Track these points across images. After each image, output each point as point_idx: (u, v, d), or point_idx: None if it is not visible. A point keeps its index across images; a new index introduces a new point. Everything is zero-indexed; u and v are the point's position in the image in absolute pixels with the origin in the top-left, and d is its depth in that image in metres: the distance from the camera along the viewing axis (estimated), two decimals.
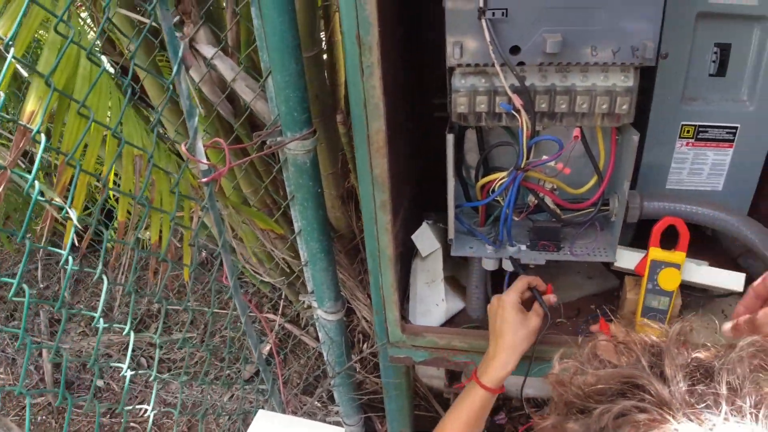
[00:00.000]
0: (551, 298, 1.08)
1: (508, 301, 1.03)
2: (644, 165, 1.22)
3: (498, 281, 1.18)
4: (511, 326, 1.01)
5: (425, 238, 1.20)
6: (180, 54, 0.93)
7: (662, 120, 1.17)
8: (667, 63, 1.11)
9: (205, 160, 0.99)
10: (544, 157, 1.00)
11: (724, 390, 0.49)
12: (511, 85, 0.95)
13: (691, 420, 0.47)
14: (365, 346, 1.72)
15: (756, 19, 1.09)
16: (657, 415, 0.48)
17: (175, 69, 0.95)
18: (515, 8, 0.89)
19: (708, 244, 1.36)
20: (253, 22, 1.18)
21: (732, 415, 0.47)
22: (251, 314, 1.42)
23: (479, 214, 1.16)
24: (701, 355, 0.53)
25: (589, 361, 0.59)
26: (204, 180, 0.99)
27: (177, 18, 1.33)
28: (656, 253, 1.07)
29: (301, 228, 1.31)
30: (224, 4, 1.45)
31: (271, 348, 1.64)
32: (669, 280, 1.07)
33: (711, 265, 1.24)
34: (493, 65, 0.93)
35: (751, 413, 0.47)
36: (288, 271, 1.61)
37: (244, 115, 1.32)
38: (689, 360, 0.53)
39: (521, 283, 1.06)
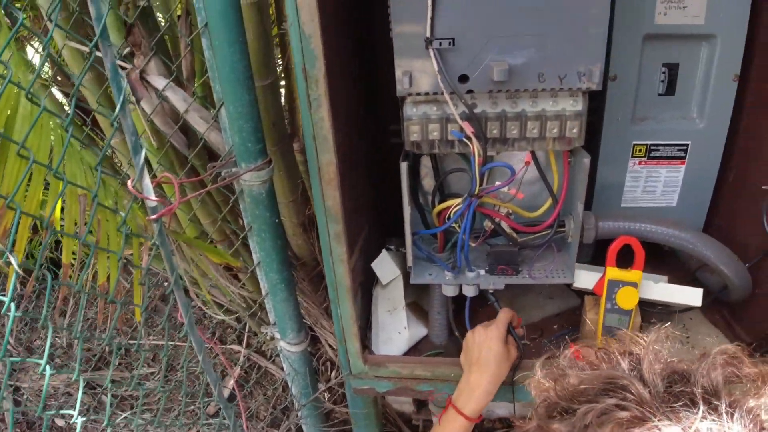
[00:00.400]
0: (519, 331, 1.10)
1: (498, 336, 1.03)
2: (599, 185, 1.23)
3: (460, 306, 1.18)
4: (498, 358, 1.01)
5: (385, 266, 1.19)
6: (123, 90, 0.91)
7: (614, 140, 1.18)
8: (617, 84, 1.13)
9: (153, 197, 0.97)
10: (497, 183, 1.00)
11: (699, 391, 0.52)
12: (461, 113, 0.95)
13: (670, 419, 0.50)
14: (333, 374, 1.69)
15: (703, 37, 1.12)
16: (638, 413, 0.51)
17: (118, 106, 0.93)
18: (462, 37, 0.90)
19: (667, 259, 1.37)
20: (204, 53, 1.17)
21: (708, 413, 0.50)
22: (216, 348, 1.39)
23: (438, 240, 1.15)
24: (676, 360, 0.57)
25: (571, 365, 0.61)
26: (152, 217, 0.96)
27: (127, 49, 1.31)
28: (613, 272, 1.07)
29: (260, 259, 1.29)
30: (178, 35, 1.43)
31: (237, 381, 1.61)
32: (627, 299, 1.07)
33: (670, 279, 1.25)
34: (443, 94, 0.92)
35: (727, 412, 0.50)
36: (251, 301, 1.58)
37: (198, 146, 1.29)
38: (666, 365, 0.56)
39: (505, 317, 1.06)
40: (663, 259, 1.38)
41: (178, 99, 1.28)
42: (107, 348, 1.84)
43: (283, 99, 1.79)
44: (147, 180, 0.97)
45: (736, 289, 1.14)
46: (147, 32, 1.32)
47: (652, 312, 1.23)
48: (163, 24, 1.43)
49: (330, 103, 0.88)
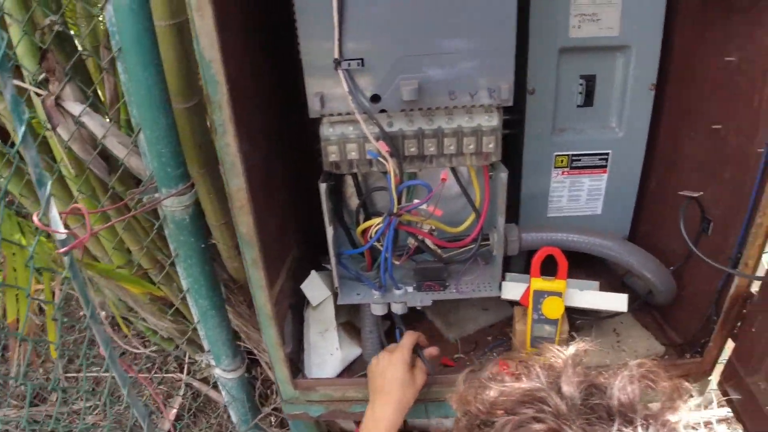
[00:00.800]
0: (433, 350, 1.08)
1: (400, 360, 1.01)
2: (525, 196, 1.24)
3: (392, 323, 1.17)
4: (401, 385, 0.99)
5: (314, 287, 1.18)
6: (23, 124, 0.87)
7: (536, 152, 1.20)
8: (536, 97, 1.14)
9: (61, 229, 0.93)
10: (415, 201, 0.99)
11: (615, 404, 0.53)
12: (376, 133, 0.94)
13: (585, 431, 0.50)
14: (276, 398, 1.66)
15: (618, 49, 1.14)
16: (554, 425, 0.51)
17: (20, 138, 0.89)
18: (371, 58, 0.89)
19: (597, 266, 1.40)
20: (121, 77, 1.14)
21: (623, 426, 0.50)
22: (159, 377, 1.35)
23: (366, 259, 1.14)
24: (594, 373, 0.57)
25: (492, 378, 0.61)
26: (61, 250, 0.93)
27: (42, 75, 1.27)
28: (537, 283, 1.08)
29: (188, 285, 1.26)
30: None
31: (176, 412, 1.56)
32: (553, 309, 1.08)
33: (601, 284, 1.27)
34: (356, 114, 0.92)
35: (642, 425, 0.50)
36: (186, 327, 1.54)
37: (118, 172, 1.26)
38: (584, 378, 0.56)
39: (409, 340, 1.04)
40: (593, 266, 1.40)
41: (95, 124, 1.25)
42: (47, 380, 1.77)
43: None
44: (54, 212, 0.94)
45: (660, 293, 1.16)
46: (65, 57, 1.28)
47: (582, 319, 1.24)
48: (81, 48, 1.38)
49: (237, 128, 0.86)
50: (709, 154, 1.11)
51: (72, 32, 1.71)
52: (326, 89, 0.92)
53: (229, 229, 1.53)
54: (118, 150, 1.23)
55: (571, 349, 0.62)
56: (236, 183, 0.89)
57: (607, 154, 1.21)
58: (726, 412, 1.74)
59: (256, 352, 1.56)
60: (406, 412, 0.99)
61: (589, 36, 1.11)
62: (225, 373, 1.34)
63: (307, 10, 0.87)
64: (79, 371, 1.59)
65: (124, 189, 1.36)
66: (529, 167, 1.21)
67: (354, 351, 1.21)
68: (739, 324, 1.09)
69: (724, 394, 1.09)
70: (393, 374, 0.99)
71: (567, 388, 0.55)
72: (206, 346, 1.35)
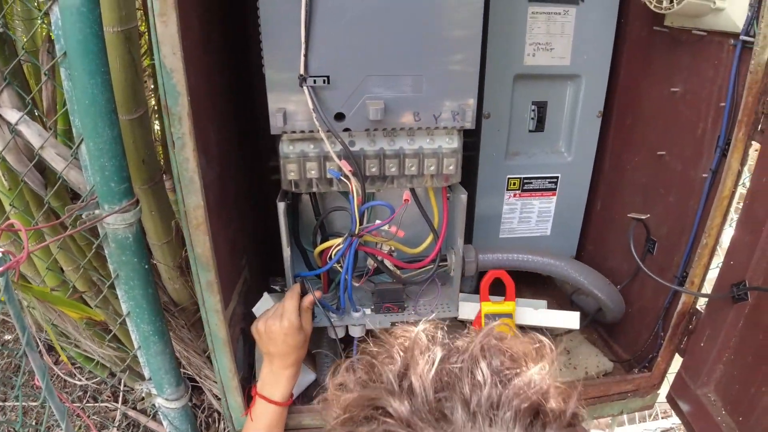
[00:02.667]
0: (316, 293, 1.02)
1: (293, 327, 0.96)
2: (478, 217, 1.24)
3: (349, 345, 1.13)
4: (297, 347, 0.98)
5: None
6: None
7: (490, 174, 1.20)
8: (490, 122, 1.15)
9: None
10: (377, 221, 0.97)
11: (467, 390, 0.46)
12: (338, 152, 0.92)
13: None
14: (221, 426, 1.58)
15: (569, 77, 1.17)
16: None
17: None
18: (337, 76, 0.87)
19: (545, 285, 1.42)
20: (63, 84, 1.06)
21: (471, 421, 0.44)
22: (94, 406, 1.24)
23: (322, 280, 1.10)
24: (444, 356, 0.49)
25: (348, 371, 0.53)
26: None
27: None
28: (488, 306, 1.08)
29: (129, 309, 1.17)
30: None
31: None
32: (505, 331, 1.07)
33: (550, 303, 1.28)
34: (319, 131, 0.89)
35: (491, 416, 0.44)
36: (124, 354, 1.44)
37: (56, 186, 1.17)
38: (434, 365, 0.48)
39: (293, 303, 0.98)
40: (541, 284, 1.42)
41: (32, 134, 1.15)
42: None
43: (158, 132, 1.68)
44: None
45: (611, 311, 1.18)
46: (3, 60, 1.18)
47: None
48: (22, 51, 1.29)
49: (197, 142, 0.81)
50: (652, 179, 1.15)
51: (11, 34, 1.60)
52: (289, 106, 0.88)
53: (171, 248, 1.45)
54: (57, 162, 1.14)
55: (420, 326, 0.54)
56: (194, 200, 0.83)
57: (556, 177, 1.24)
58: (671, 423, 1.79)
59: (198, 378, 1.48)
60: (300, 366, 1.02)
61: (543, 64, 1.14)
62: (168, 403, 1.25)
63: (272, 24, 0.84)
64: (5, 400, 1.45)
65: (60, 204, 1.27)
66: (483, 189, 1.21)
67: (308, 376, 1.16)
68: (685, 339, 1.13)
69: (674, 406, 1.11)
70: (288, 342, 0.96)
71: (416, 383, 0.47)
72: (147, 374, 1.26)
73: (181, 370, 1.44)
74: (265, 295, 1.13)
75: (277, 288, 1.25)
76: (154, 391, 1.26)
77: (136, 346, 1.22)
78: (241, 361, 1.10)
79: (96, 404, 1.65)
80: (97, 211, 1.10)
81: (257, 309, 1.12)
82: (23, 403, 1.48)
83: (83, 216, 1.12)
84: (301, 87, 0.86)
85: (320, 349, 1.13)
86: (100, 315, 1.20)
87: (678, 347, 1.15)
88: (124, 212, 1.08)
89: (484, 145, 1.17)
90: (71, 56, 0.96)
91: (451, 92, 0.91)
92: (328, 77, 0.86)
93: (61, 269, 1.37)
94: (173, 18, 0.74)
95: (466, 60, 0.89)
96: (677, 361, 1.16)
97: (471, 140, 1.19)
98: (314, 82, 0.85)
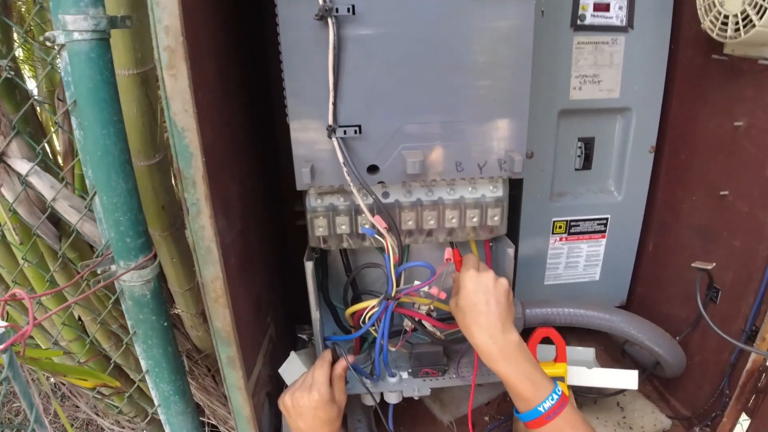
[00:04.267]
0: (350, 358, 0.88)
1: (323, 401, 0.81)
2: (521, 262, 1.10)
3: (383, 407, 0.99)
4: (329, 423, 0.83)
5: (295, 371, 0.99)
6: None
7: (534, 217, 1.07)
8: (534, 162, 1.02)
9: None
10: (416, 282, 0.84)
11: None
12: (371, 205, 0.79)
13: None
14: None
15: (618, 111, 1.03)
16: None
17: None
18: (369, 125, 0.74)
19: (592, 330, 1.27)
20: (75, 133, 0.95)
21: None
22: None
23: (354, 341, 0.97)
24: None
25: None
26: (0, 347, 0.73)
27: None
28: None
29: (148, 368, 1.05)
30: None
31: None
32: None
33: (598, 352, 1.14)
34: (351, 185, 0.76)
35: None
36: (146, 409, 1.33)
37: (70, 239, 1.06)
38: None
39: (324, 374, 0.84)
40: (588, 330, 1.27)
41: (44, 185, 1.05)
42: None
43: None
44: None
45: (670, 367, 1.03)
46: (14, 106, 1.08)
47: (583, 396, 1.10)
48: (34, 95, 1.19)
49: (215, 205, 0.69)
50: (713, 220, 1.00)
51: (28, 75, 1.51)
52: (317, 159, 0.76)
53: (193, 295, 1.34)
54: (70, 215, 1.04)
55: None
56: (211, 272, 0.71)
57: (605, 218, 1.09)
58: None
59: (222, 429, 1.36)
60: None
61: (589, 98, 1.00)
62: None
63: (296, 69, 0.72)
64: None
65: (76, 255, 1.16)
66: (526, 233, 1.08)
67: None
68: (753, 397, 0.98)
69: None
70: (320, 416, 0.82)
71: None
72: None
73: (205, 419, 1.32)
74: (292, 354, 1.01)
75: (304, 337, 1.12)
76: None
77: (156, 404, 1.11)
78: (268, 428, 0.98)
79: None
80: (112, 267, 0.99)
81: (284, 371, 1.00)
82: None
83: (98, 272, 1.01)
84: (330, 138, 0.73)
85: (354, 415, 1.00)
86: (114, 381, 1.08)
87: (745, 407, 0.99)
88: (141, 269, 0.96)
89: (527, 186, 1.03)
90: (81, 105, 0.85)
91: (497, 139, 0.77)
92: (359, 127, 0.74)
93: (80, 318, 1.26)
94: (183, 71, 0.62)
95: (514, 103, 0.76)
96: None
97: (513, 181, 1.06)
98: (344, 132, 0.73)
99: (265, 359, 0.98)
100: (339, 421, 0.85)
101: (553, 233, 1.08)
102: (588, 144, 1.04)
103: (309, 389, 0.82)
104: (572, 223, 1.08)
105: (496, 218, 0.85)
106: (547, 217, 1.07)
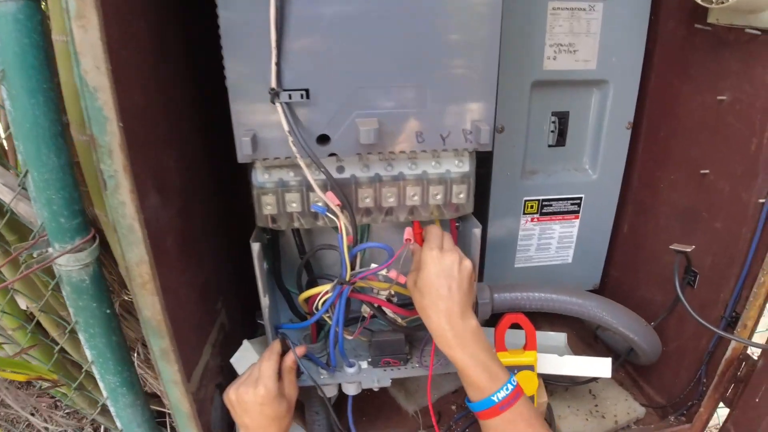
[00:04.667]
0: (300, 349, 0.80)
1: (269, 396, 0.73)
2: (490, 245, 1.03)
3: (342, 398, 0.92)
4: (277, 419, 0.75)
5: (248, 361, 0.91)
6: None
7: (504, 196, 0.99)
8: (504, 137, 0.94)
9: None
10: (373, 265, 0.76)
11: None
12: (322, 182, 0.70)
13: None
14: None
15: (594, 83, 0.95)
16: None
17: None
18: (318, 89, 0.65)
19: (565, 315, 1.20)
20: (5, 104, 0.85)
21: None
22: None
23: (310, 328, 0.89)
24: None
25: None
26: None
27: None
28: (505, 357, 0.87)
29: (92, 358, 0.96)
30: None
31: None
32: (525, 385, 0.86)
33: (570, 336, 1.07)
34: (299, 158, 0.67)
35: None
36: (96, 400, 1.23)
37: (4, 219, 0.96)
38: None
39: (271, 368, 0.76)
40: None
41: None
42: None
43: None
44: None
45: (645, 354, 0.97)
46: None
47: (554, 383, 1.03)
48: None
49: (140, 182, 0.60)
50: (693, 201, 0.94)
51: None
52: (260, 127, 0.67)
53: None
54: (3, 193, 0.93)
55: None
56: (136, 254, 0.62)
57: (579, 198, 1.02)
58: None
59: None
60: None
61: (565, 68, 0.92)
62: None
63: (234, 26, 0.62)
64: None
65: (16, 238, 1.05)
66: (496, 213, 1.00)
67: None
68: (732, 387, 0.92)
69: None
70: (266, 413, 0.73)
71: None
72: (119, 426, 1.05)
73: (166, 410, 1.23)
74: (245, 343, 0.92)
75: (263, 322, 1.04)
76: None
77: (105, 397, 1.02)
78: (219, 421, 0.89)
79: None
80: (48, 250, 0.89)
81: (236, 361, 0.91)
82: None
83: (34, 255, 0.91)
84: (273, 104, 0.64)
85: (312, 407, 0.92)
86: (52, 374, 0.98)
87: (723, 396, 0.94)
88: (78, 251, 0.87)
89: (497, 162, 0.96)
90: (7, 72, 0.75)
91: (462, 107, 0.69)
92: (306, 91, 0.65)
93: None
94: (94, 22, 0.52)
95: (482, 67, 0.68)
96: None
97: (481, 156, 0.97)
98: (289, 97, 0.64)
99: (214, 349, 0.89)
100: (289, 416, 0.77)
101: (524, 213, 1.01)
102: (562, 119, 0.97)
103: (255, 384, 0.74)
104: (544, 203, 1.01)
105: (461, 195, 0.77)
106: (518, 196, 0.99)
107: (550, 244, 1.05)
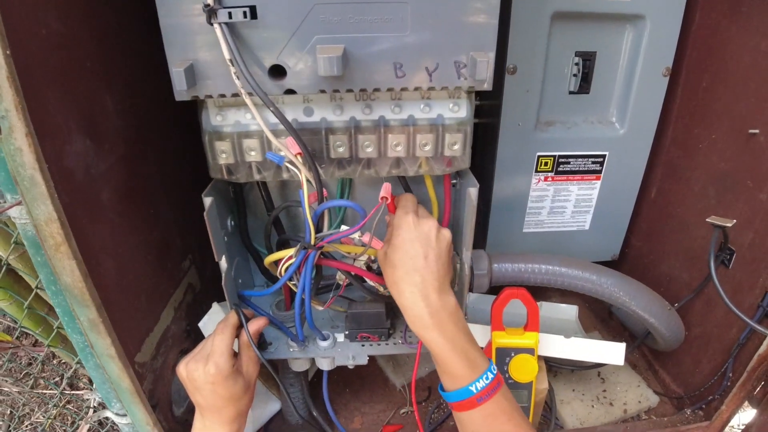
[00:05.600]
0: (257, 324, 0.67)
1: (223, 374, 0.61)
2: (495, 206, 0.87)
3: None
4: (233, 400, 0.63)
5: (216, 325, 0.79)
6: None
7: (513, 150, 0.82)
8: (516, 79, 0.76)
9: None
10: (344, 227, 0.61)
11: None
12: (275, 126, 0.55)
13: None
14: None
15: (628, 18, 0.77)
16: None
17: None
18: (267, 5, 0.49)
19: None
20: None
21: None
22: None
23: (283, 294, 0.76)
24: None
25: None
26: None
27: None
28: (502, 338, 0.72)
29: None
30: None
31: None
32: (523, 370, 0.73)
33: (581, 308, 0.93)
34: (252, 96, 0.52)
35: None
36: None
37: None
38: None
39: (225, 341, 0.63)
40: None
41: None
42: None
43: None
44: None
45: (666, 340, 0.81)
46: None
47: (558, 366, 0.90)
48: None
49: (52, 122, 0.46)
50: (736, 165, 0.76)
51: None
52: (197, 56, 0.52)
53: None
54: None
55: None
56: (43, 211, 0.49)
57: (603, 156, 0.85)
58: None
59: None
60: (245, 418, 0.66)
61: None
62: (119, 418, 0.96)
63: None
64: None
65: None
66: (503, 169, 0.84)
67: (272, 406, 0.84)
68: (761, 385, 0.76)
69: None
70: (219, 392, 0.62)
71: None
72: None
73: None
74: (215, 306, 0.80)
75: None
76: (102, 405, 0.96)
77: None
78: (183, 392, 0.78)
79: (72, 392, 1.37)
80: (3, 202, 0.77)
81: (204, 325, 0.79)
82: None
83: None
84: (211, 24, 0.49)
85: (287, 378, 0.80)
86: (5, 336, 0.88)
87: (750, 395, 0.78)
88: None
89: (507, 110, 0.79)
90: None
91: (454, 33, 0.52)
92: (252, 8, 0.49)
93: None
94: None
95: None
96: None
97: (488, 103, 0.81)
98: (229, 16, 0.48)
99: (178, 312, 0.77)
100: (248, 395, 0.65)
101: (536, 171, 0.85)
102: (587, 60, 0.79)
103: (205, 360, 0.62)
104: (561, 160, 0.84)
105: (456, 147, 0.61)
106: (530, 150, 0.83)
107: (565, 208, 0.89)
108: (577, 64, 0.79)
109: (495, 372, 0.56)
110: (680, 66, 0.82)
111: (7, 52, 0.43)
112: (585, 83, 0.80)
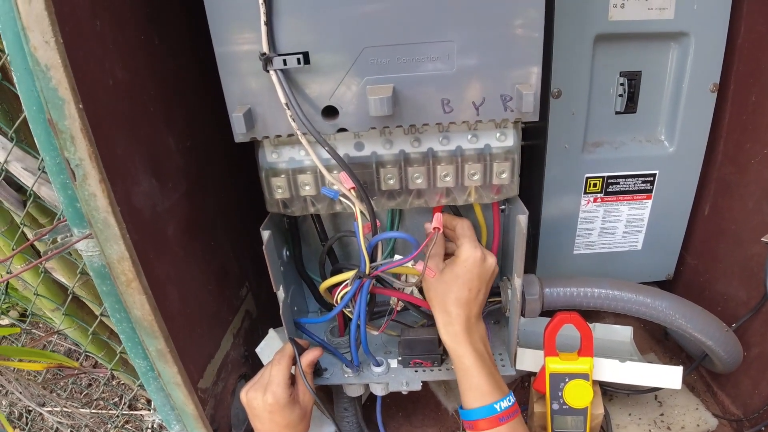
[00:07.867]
0: (310, 356, 0.68)
1: (280, 404, 0.63)
2: (544, 228, 0.87)
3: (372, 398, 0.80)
4: (290, 427, 0.65)
5: (274, 350, 0.81)
6: None
7: (561, 173, 0.82)
8: (561, 102, 0.76)
9: None
10: (398, 257, 0.63)
11: None
12: (328, 162, 0.57)
13: None
14: None
15: (672, 37, 0.76)
16: None
17: None
18: (319, 51, 0.52)
19: None
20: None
21: None
22: None
23: (337, 320, 0.78)
24: None
25: None
26: None
27: None
28: (555, 364, 0.71)
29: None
30: None
31: None
32: (578, 396, 0.71)
33: (636, 330, 0.90)
34: (299, 135, 0.55)
35: None
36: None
37: (29, 203, 0.91)
38: None
39: (282, 373, 0.65)
40: None
41: None
42: None
43: None
44: None
45: (724, 363, 0.78)
46: None
47: (613, 390, 0.87)
48: None
49: (120, 166, 0.50)
50: None
51: None
52: (255, 101, 0.54)
53: None
54: (25, 178, 0.88)
55: None
56: (115, 251, 0.53)
57: (653, 175, 0.83)
58: None
59: None
60: None
61: (635, 19, 0.73)
62: None
63: None
64: None
65: (48, 220, 1.01)
66: (551, 192, 0.84)
67: (327, 429, 0.86)
68: None
69: None
70: (276, 420, 0.64)
71: None
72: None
73: None
74: (271, 332, 0.83)
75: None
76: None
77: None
78: (242, 416, 0.81)
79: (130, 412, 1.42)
80: (70, 236, 0.82)
81: (262, 350, 0.82)
82: None
83: (58, 240, 0.85)
84: (266, 71, 0.51)
85: (341, 403, 0.82)
86: (72, 362, 0.93)
87: None
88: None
89: (553, 133, 0.79)
90: (10, 51, 0.67)
91: (499, 67, 0.53)
92: (305, 54, 0.51)
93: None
94: None
95: (523, 11, 0.52)
96: None
97: (534, 126, 0.81)
98: (284, 63, 0.51)
99: (237, 339, 0.80)
100: (304, 423, 0.67)
101: (585, 192, 0.84)
102: (632, 80, 0.78)
103: (264, 389, 0.64)
104: (610, 180, 0.83)
105: (504, 175, 0.62)
106: (578, 172, 0.82)
107: (616, 228, 0.88)
108: (622, 84, 0.78)
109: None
110: (728, 81, 0.80)
111: (80, 106, 0.46)
112: (631, 103, 0.79)
